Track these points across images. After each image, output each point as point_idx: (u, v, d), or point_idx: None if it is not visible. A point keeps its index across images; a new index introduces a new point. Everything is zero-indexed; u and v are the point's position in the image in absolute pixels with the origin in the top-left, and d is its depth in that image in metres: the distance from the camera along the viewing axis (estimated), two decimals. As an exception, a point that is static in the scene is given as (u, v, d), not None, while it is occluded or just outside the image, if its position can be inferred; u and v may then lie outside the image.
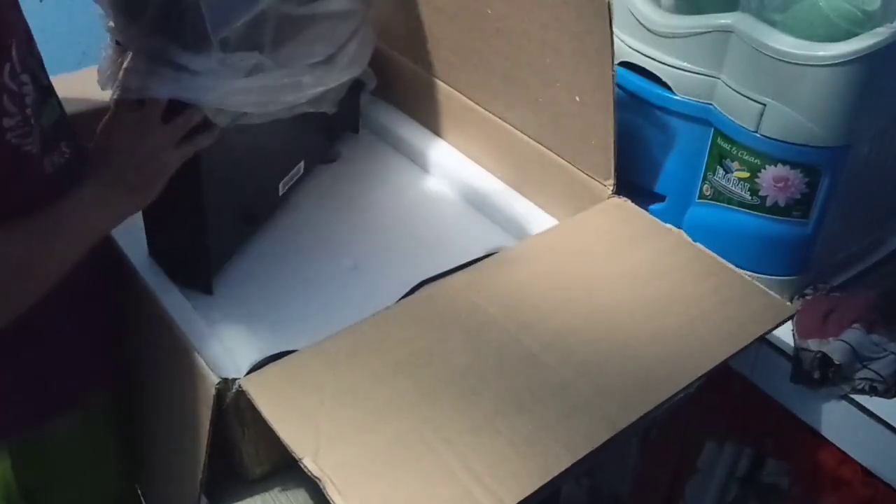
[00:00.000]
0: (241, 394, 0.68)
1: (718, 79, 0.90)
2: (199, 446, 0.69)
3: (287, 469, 0.77)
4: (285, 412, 0.67)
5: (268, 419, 0.66)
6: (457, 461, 0.64)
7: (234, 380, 0.69)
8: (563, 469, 0.65)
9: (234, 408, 0.69)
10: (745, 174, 0.91)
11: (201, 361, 0.70)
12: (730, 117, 0.90)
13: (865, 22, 0.84)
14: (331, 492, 0.62)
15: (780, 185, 0.89)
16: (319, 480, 0.62)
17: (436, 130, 1.16)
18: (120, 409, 0.86)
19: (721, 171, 0.93)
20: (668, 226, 0.90)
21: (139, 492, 0.92)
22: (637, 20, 0.94)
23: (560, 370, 0.72)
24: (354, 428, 0.66)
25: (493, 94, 1.04)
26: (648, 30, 0.93)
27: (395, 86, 1.20)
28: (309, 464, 0.63)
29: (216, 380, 0.68)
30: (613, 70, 0.85)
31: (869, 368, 0.86)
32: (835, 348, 0.86)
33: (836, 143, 0.85)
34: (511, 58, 0.97)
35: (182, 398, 0.75)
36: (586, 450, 0.66)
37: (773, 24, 0.86)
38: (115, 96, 0.72)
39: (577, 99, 0.91)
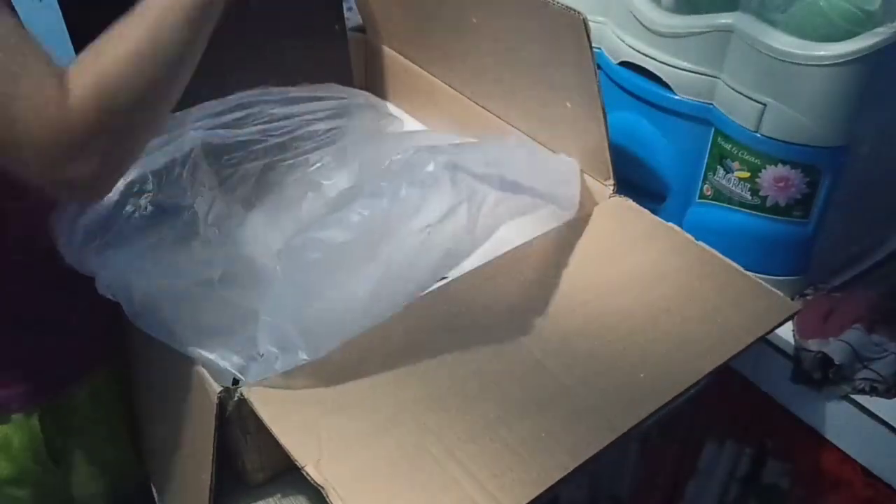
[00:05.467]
0: (243, 402, 0.68)
1: (719, 79, 0.90)
2: (204, 454, 0.69)
3: (288, 476, 0.77)
4: (287, 420, 0.67)
5: (270, 427, 0.66)
6: (459, 468, 0.64)
7: (236, 388, 0.68)
8: (565, 474, 0.65)
9: (236, 416, 0.69)
10: (746, 174, 0.90)
11: (202, 370, 0.70)
12: (730, 117, 0.89)
13: (865, 22, 0.84)
14: (333, 499, 0.62)
15: (781, 185, 0.89)
16: (322, 488, 0.62)
17: (435, 128, 1.16)
18: (124, 384, 0.91)
19: (721, 171, 0.93)
20: (671, 225, 0.90)
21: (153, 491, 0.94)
22: (637, 20, 0.94)
23: (562, 375, 0.72)
24: (356, 435, 0.66)
25: (492, 96, 1.04)
26: (648, 30, 0.93)
27: (397, 85, 1.20)
28: (311, 471, 0.63)
29: (218, 388, 0.68)
30: (597, 79, 0.84)
31: (869, 368, 0.86)
32: (835, 348, 0.86)
33: (836, 143, 0.85)
34: (505, 62, 0.97)
35: (184, 406, 0.75)
36: (588, 454, 0.66)
37: (773, 23, 0.85)
38: None
39: (568, 105, 0.91)
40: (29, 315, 0.77)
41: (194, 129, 0.80)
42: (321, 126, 0.91)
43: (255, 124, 0.84)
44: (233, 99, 0.83)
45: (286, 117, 0.87)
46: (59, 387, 0.80)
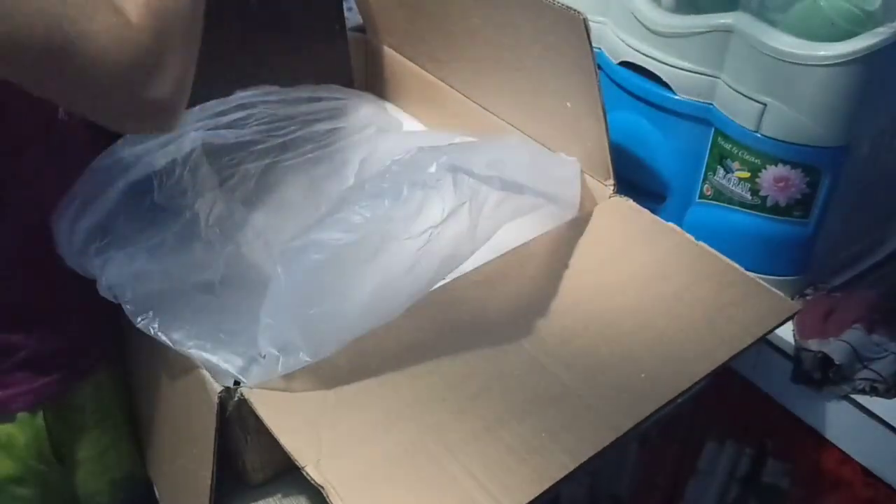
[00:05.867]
0: (244, 402, 0.68)
1: (719, 78, 0.90)
2: (205, 454, 0.69)
3: (288, 475, 0.77)
4: (287, 420, 0.67)
5: (270, 427, 0.66)
6: (459, 468, 0.64)
7: (237, 388, 0.68)
8: (565, 474, 0.65)
9: (236, 416, 0.69)
10: (746, 174, 0.90)
11: (203, 370, 0.70)
12: (730, 117, 0.89)
13: (865, 22, 0.84)
14: (333, 499, 0.62)
15: (781, 185, 0.89)
16: (322, 488, 0.62)
17: (435, 128, 1.16)
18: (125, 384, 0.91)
19: (721, 171, 0.93)
20: (671, 225, 0.90)
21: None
22: (637, 20, 0.94)
23: (562, 375, 0.72)
24: (356, 435, 0.66)
25: (492, 95, 1.04)
26: (648, 29, 0.93)
27: (397, 85, 1.20)
28: (311, 471, 0.63)
29: (218, 388, 0.68)
30: (597, 79, 0.85)
31: (869, 368, 0.86)
32: (835, 348, 0.87)
33: (836, 143, 0.85)
34: (505, 62, 0.97)
35: (185, 406, 0.75)
36: (588, 454, 0.66)
37: (773, 23, 0.85)
38: None
39: (568, 105, 0.91)
40: (32, 314, 0.77)
41: (195, 130, 0.80)
42: (322, 126, 0.91)
43: (256, 125, 0.85)
44: (233, 99, 0.83)
45: (287, 118, 0.87)
46: (63, 385, 0.81)
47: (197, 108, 0.82)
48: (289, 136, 0.88)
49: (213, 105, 0.83)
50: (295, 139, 0.89)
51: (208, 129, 0.81)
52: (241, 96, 0.84)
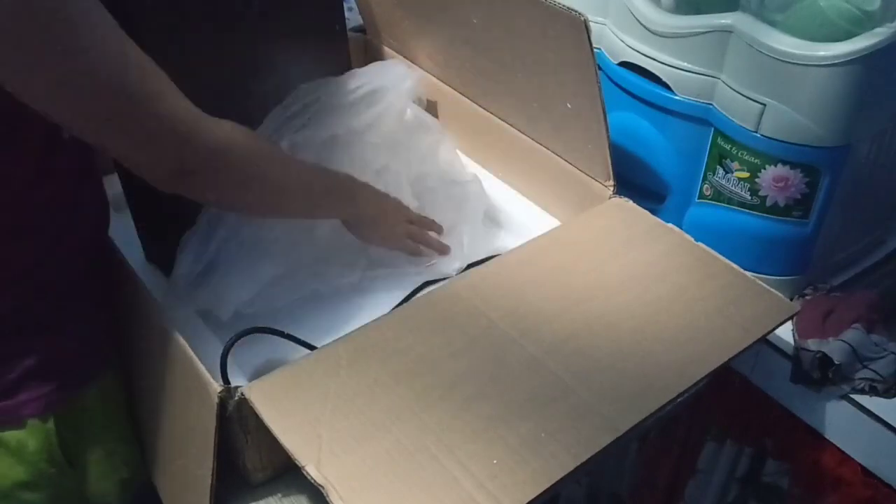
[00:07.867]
0: (244, 401, 0.68)
1: (718, 79, 0.90)
2: (205, 453, 0.69)
3: (289, 475, 0.77)
4: (288, 420, 0.67)
5: (270, 427, 0.66)
6: (459, 467, 0.64)
7: (237, 387, 0.68)
8: (564, 474, 0.65)
9: (236, 415, 0.69)
10: (745, 174, 0.90)
11: (203, 369, 0.70)
12: (730, 117, 0.89)
13: (865, 22, 0.84)
14: (334, 499, 0.62)
15: (780, 185, 0.89)
16: (322, 488, 0.62)
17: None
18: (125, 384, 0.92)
19: (721, 171, 0.93)
20: (670, 225, 0.90)
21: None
22: (637, 20, 0.94)
23: (562, 375, 0.72)
24: (356, 435, 0.66)
25: (493, 97, 1.04)
26: (648, 30, 0.93)
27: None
28: (312, 471, 0.63)
29: (218, 387, 0.68)
30: (598, 79, 0.85)
31: (869, 368, 0.87)
32: (835, 348, 0.87)
33: (836, 143, 0.85)
34: (505, 63, 0.97)
35: (185, 406, 0.75)
36: (588, 454, 0.66)
37: (773, 24, 0.86)
38: None
39: (569, 105, 0.91)
40: (39, 322, 0.77)
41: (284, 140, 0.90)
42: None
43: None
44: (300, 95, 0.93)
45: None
46: (71, 391, 0.80)
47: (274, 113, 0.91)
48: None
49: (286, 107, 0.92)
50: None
51: (294, 132, 0.90)
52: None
